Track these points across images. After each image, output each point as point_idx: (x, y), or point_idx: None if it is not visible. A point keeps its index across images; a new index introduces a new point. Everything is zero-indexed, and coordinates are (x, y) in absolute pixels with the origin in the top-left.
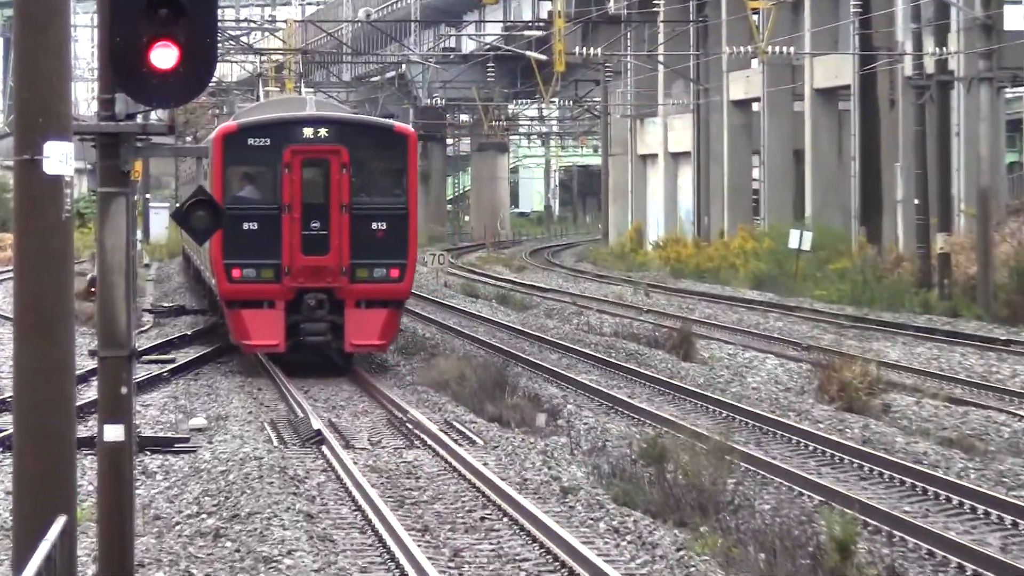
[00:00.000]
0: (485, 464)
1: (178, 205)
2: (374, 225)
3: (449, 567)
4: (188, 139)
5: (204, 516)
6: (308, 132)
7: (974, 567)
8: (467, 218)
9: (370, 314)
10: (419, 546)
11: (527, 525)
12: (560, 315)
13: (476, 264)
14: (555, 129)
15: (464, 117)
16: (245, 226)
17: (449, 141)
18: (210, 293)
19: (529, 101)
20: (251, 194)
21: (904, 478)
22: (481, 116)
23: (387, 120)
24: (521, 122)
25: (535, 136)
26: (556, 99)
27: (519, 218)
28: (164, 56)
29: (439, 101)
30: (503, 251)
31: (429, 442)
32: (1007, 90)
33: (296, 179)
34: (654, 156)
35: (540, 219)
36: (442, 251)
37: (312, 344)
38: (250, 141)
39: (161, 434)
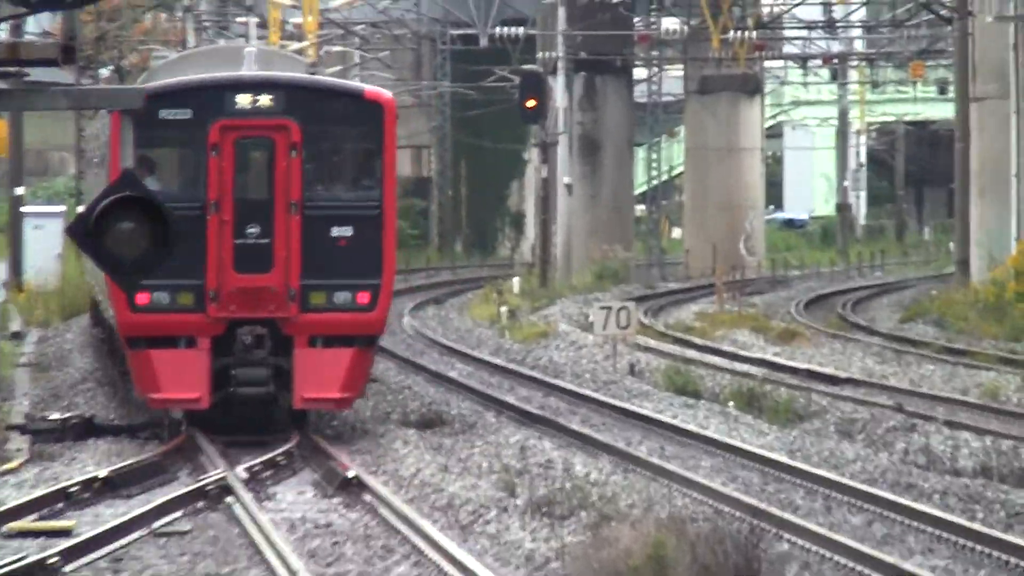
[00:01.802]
0: None
1: (80, 211)
2: (335, 230)
3: None
4: (107, 78)
5: None
6: (244, 100)
7: None
8: (676, 232)
9: (329, 356)
10: None
11: None
12: (868, 433)
13: (694, 327)
14: (858, 47)
15: (670, 23)
16: None
17: (641, 73)
18: (109, 331)
19: None
20: (162, 188)
21: None
22: (706, 19)
23: (354, 84)
24: (788, 32)
25: (815, 64)
26: None
27: (783, 230)
28: None
29: None
30: (750, 299)
31: None
32: None
33: (227, 166)
34: None
35: (827, 233)
36: (625, 301)
37: (247, 398)
38: (162, 113)
39: None
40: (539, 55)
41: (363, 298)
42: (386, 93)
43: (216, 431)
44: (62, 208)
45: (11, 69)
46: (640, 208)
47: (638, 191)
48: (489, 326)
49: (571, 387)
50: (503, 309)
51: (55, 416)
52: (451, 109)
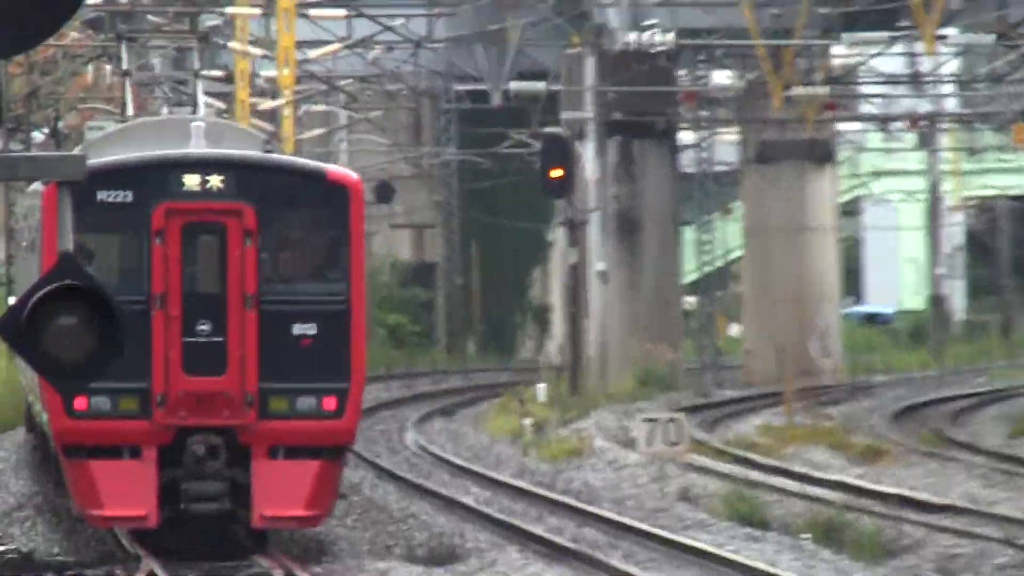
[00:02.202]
0: None
1: (11, 303)
2: (297, 328)
3: None
4: (41, 144)
5: None
6: (192, 181)
7: None
8: (733, 328)
9: (292, 468)
10: None
11: None
12: (973, 571)
13: (758, 443)
14: (950, 106)
15: (723, 78)
16: None
17: (687, 137)
18: (42, 438)
19: (880, 39)
20: (103, 279)
21: None
22: (766, 73)
23: (315, 164)
24: (865, 88)
25: (898, 127)
26: (951, 30)
27: (864, 327)
28: None
29: (660, 35)
30: (825, 410)
31: None
32: None
33: (173, 255)
34: None
35: (917, 330)
36: (674, 412)
37: (200, 515)
38: (99, 195)
39: None
40: (564, 115)
41: (329, 403)
42: (352, 174)
43: (166, 554)
44: None
45: None
46: (689, 300)
47: (687, 280)
48: (510, 442)
49: (611, 515)
50: (527, 422)
51: None
52: (459, 180)
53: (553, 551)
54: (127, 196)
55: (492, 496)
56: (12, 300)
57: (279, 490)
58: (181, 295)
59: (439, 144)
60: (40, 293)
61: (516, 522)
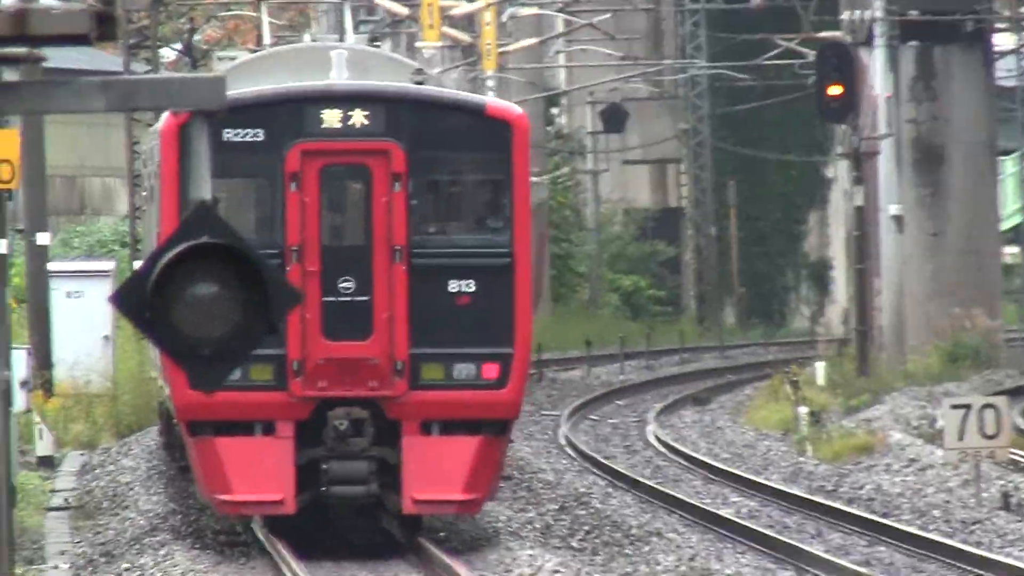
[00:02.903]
0: None
1: (135, 267)
2: (453, 285)
3: None
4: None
5: None
6: (332, 117)
7: None
8: None
9: (448, 446)
10: None
11: None
12: None
13: None
14: None
15: None
16: None
17: (1004, 41)
18: (168, 422)
19: None
20: None
21: None
22: None
23: (474, 97)
24: None
25: None
26: None
27: None
28: None
29: None
30: None
31: None
32: None
33: (311, 202)
34: None
35: None
36: (992, 396)
37: (343, 500)
38: (226, 134)
39: None
40: (844, 16)
41: (491, 371)
42: (515, 108)
43: (304, 543)
44: (110, 265)
45: (21, 51)
46: (1011, 252)
47: (1006, 225)
48: (780, 437)
49: (912, 530)
50: (802, 411)
51: None
52: (710, 103)
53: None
54: (257, 135)
55: (758, 507)
56: (136, 265)
57: (433, 470)
58: (320, 248)
59: (684, 56)
60: (171, 254)
61: (791, 540)
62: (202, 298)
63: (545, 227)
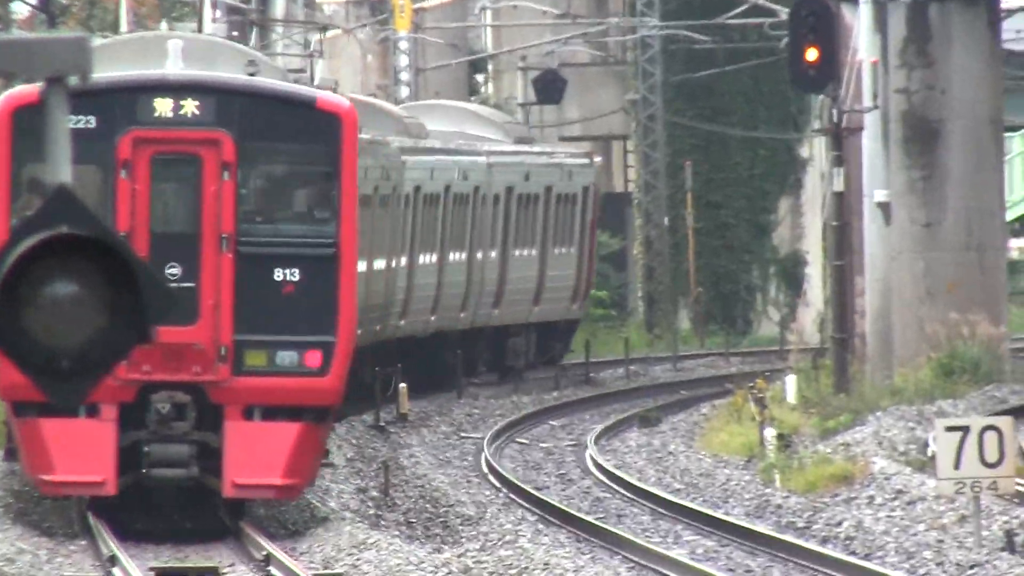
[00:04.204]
0: None
1: None
2: (279, 273)
3: None
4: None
5: None
6: (164, 106)
7: None
8: None
9: (269, 431)
10: None
11: None
12: None
13: None
14: None
15: None
16: None
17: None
18: None
19: None
20: None
21: None
22: None
23: (304, 90)
24: None
25: None
26: None
27: None
28: None
29: None
30: None
31: None
32: None
33: (141, 189)
34: None
35: None
36: (993, 416)
37: (164, 483)
38: None
39: None
40: None
41: (313, 359)
42: (345, 102)
43: (126, 524)
44: None
45: None
46: (1018, 246)
47: (1013, 214)
48: (743, 464)
49: (898, 575)
50: (769, 433)
51: None
52: (663, 69)
53: None
54: (90, 122)
55: (716, 547)
56: None
57: (254, 455)
58: (149, 235)
59: (633, 15)
60: (23, 247)
61: None
62: (60, 299)
63: None
